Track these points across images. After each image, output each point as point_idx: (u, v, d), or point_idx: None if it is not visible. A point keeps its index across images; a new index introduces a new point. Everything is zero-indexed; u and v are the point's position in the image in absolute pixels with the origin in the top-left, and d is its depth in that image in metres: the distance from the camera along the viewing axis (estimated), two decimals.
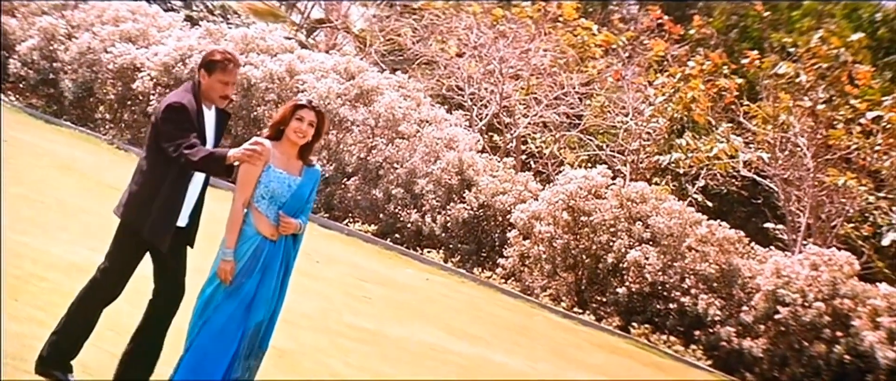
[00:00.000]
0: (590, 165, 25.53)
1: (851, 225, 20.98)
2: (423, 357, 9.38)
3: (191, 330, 4.85)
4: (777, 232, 22.00)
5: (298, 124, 4.85)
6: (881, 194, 19.06)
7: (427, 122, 19.60)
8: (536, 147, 26.82)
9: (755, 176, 21.42)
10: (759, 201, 22.17)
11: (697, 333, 16.50)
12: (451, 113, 20.66)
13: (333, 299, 10.47)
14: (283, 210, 4.79)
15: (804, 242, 19.19)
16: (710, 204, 22.60)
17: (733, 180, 22.71)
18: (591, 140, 25.11)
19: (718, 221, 17.51)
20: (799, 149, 20.17)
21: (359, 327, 9.49)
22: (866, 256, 20.36)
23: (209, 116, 5.04)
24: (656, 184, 21.13)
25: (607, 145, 24.68)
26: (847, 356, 15.17)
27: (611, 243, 17.54)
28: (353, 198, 18.95)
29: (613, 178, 18.73)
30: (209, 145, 4.98)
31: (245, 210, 4.82)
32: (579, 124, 25.04)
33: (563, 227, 17.88)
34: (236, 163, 4.85)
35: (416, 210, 18.60)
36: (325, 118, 4.97)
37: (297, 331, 8.11)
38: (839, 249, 17.49)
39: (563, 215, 17.81)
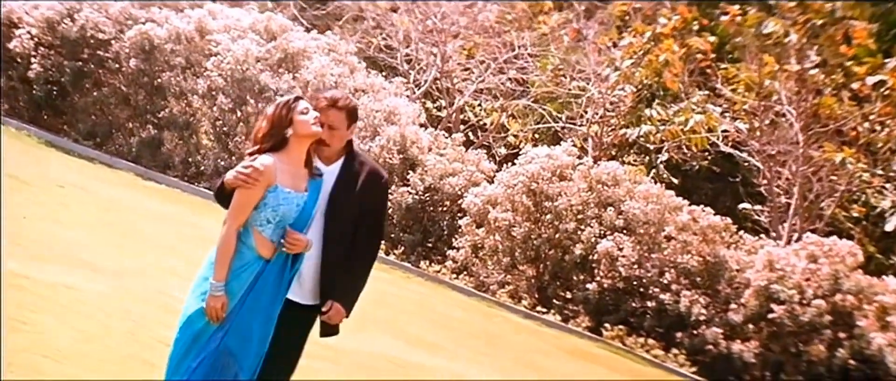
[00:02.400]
0: (540, 139, 25.41)
1: (839, 206, 21.04)
2: (381, 373, 9.18)
3: (175, 369, 4.72)
4: (753, 214, 22.01)
5: (307, 117, 4.72)
6: (878, 171, 19.04)
7: (363, 91, 19.11)
8: (476, 117, 26.50)
9: (732, 150, 21.33)
10: (737, 179, 22.07)
11: (679, 335, 16.48)
12: (389, 80, 20.06)
13: None
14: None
15: (792, 225, 19.16)
16: (675, 180, 22.64)
17: (703, 154, 22.66)
18: (543, 110, 24.82)
19: (700, 206, 17.51)
20: (784, 119, 20.10)
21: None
22: (857, 240, 20.43)
23: None
24: (623, 162, 20.85)
25: (561, 116, 24.42)
26: (852, 361, 15.24)
27: (578, 232, 17.43)
28: None
29: (579, 157, 18.57)
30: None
31: (242, 230, 4.74)
32: (531, 92, 24.71)
33: (522, 213, 17.71)
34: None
35: None
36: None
37: None
38: (827, 233, 17.47)
39: (523, 199, 17.64)
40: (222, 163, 18.16)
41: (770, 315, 15.82)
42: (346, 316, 4.81)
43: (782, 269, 16.02)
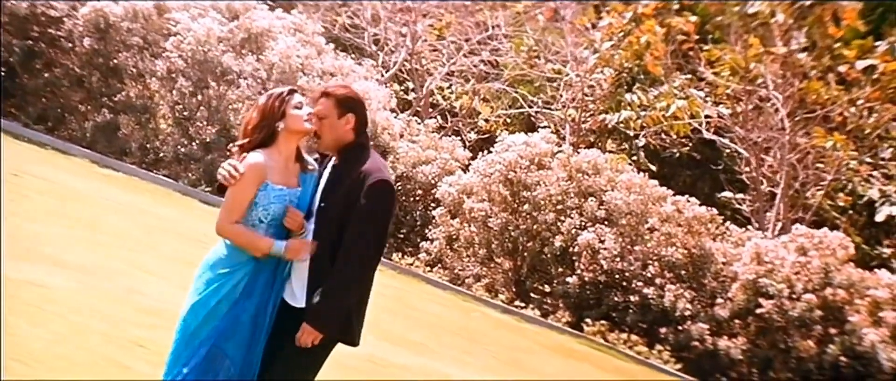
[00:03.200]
0: (512, 124, 25.36)
1: (825, 195, 21.18)
2: (364, 373, 9.14)
3: (170, 369, 4.78)
4: (735, 202, 22.14)
5: (300, 113, 4.76)
6: (867, 159, 19.17)
7: (331, 74, 18.93)
8: (446, 100, 26.45)
9: (714, 136, 21.43)
10: (720, 167, 22.16)
11: (664, 330, 16.52)
12: (359, 62, 19.92)
13: None
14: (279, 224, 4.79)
15: (776, 215, 19.27)
16: (652, 167, 22.76)
17: (683, 141, 22.75)
18: (517, 94, 24.80)
19: (685, 197, 17.52)
20: (770, 104, 20.18)
21: None
22: (843, 230, 20.58)
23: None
24: (601, 149, 20.85)
25: (536, 100, 24.39)
26: (843, 358, 15.30)
27: (558, 224, 17.43)
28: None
29: (558, 144, 18.59)
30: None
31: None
32: (504, 74, 24.67)
33: (499, 203, 17.71)
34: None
35: None
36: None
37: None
38: (812, 222, 17.54)
39: (500, 189, 17.64)
40: (182, 149, 18.03)
41: (758, 310, 15.87)
42: (326, 335, 4.66)
43: (771, 262, 16.05)
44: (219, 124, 18.53)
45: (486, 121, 25.94)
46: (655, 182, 17.72)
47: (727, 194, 22.48)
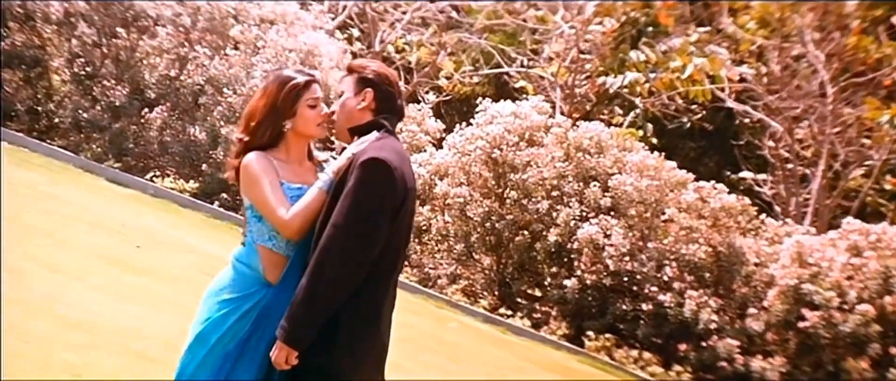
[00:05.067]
0: (483, 86, 24.98)
1: (866, 176, 21.08)
2: None
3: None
4: (755, 184, 22.04)
5: (312, 115, 4.82)
6: None
7: (270, 22, 18.71)
8: (399, 53, 26.05)
9: (735, 103, 21.22)
10: (741, 143, 22.01)
11: (683, 347, 16.46)
12: (306, 8, 19.45)
13: (190, 312, 9.98)
14: None
15: (803, 201, 19.11)
16: (654, 140, 22.75)
17: (693, 108, 22.59)
18: (492, 48, 24.45)
19: (711, 182, 17.41)
20: (805, 64, 19.97)
21: None
22: (890, 220, 20.51)
23: None
24: (603, 120, 20.49)
25: (515, 56, 24.05)
26: None
27: (553, 214, 17.32)
28: (158, 139, 18.27)
29: (551, 115, 18.49)
30: None
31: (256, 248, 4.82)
32: (475, 23, 24.33)
33: (480, 188, 17.67)
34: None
35: None
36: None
37: (151, 369, 7.89)
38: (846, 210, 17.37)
39: (482, 170, 17.56)
40: (83, 114, 17.74)
41: (801, 324, 15.86)
42: (294, 348, 4.54)
43: (816, 264, 15.96)
44: (129, 84, 18.21)
45: (447, 79, 25.52)
46: (673, 164, 17.61)
47: (745, 173, 22.34)
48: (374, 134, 4.68)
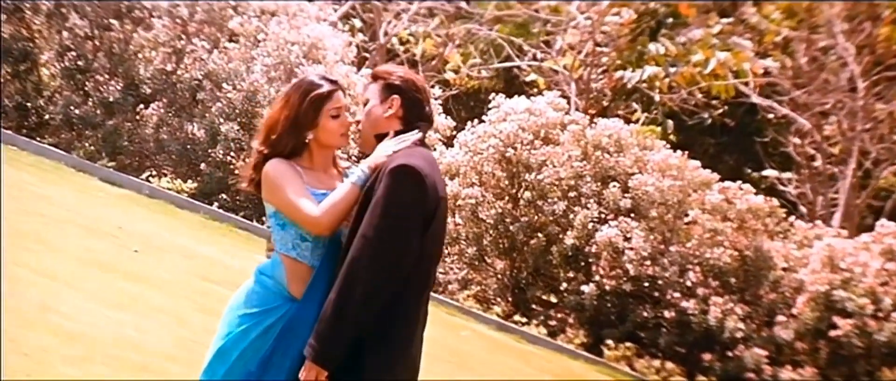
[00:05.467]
0: (493, 82, 24.92)
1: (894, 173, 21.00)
2: None
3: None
4: (777, 183, 21.96)
5: (336, 125, 4.85)
6: None
7: (271, 14, 18.74)
8: (404, 44, 25.95)
9: (760, 98, 21.11)
10: (766, 139, 21.90)
11: (708, 357, 16.38)
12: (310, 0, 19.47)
13: (189, 322, 10.21)
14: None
15: (831, 200, 19.01)
16: (671, 137, 22.74)
17: (714, 103, 22.51)
18: (502, 40, 24.43)
19: (737, 183, 17.36)
20: (834, 57, 19.85)
21: None
22: None
23: None
24: (620, 116, 20.40)
25: (527, 48, 23.99)
26: None
27: (570, 216, 17.27)
28: (154, 137, 18.31)
29: (566, 111, 18.42)
30: None
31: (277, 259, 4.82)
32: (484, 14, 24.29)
33: (494, 189, 17.62)
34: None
35: None
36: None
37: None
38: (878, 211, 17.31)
39: (495, 170, 17.50)
40: (76, 110, 17.78)
41: (832, 332, 15.82)
42: (325, 368, 4.55)
43: (849, 269, 15.91)
44: (124, 78, 18.23)
45: (455, 73, 25.45)
46: (696, 163, 17.54)
47: (769, 171, 22.24)
48: (415, 133, 4.69)
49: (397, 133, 4.70)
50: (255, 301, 4.77)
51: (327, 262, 4.72)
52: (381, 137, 4.71)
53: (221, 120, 17.99)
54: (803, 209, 19.87)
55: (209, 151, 17.96)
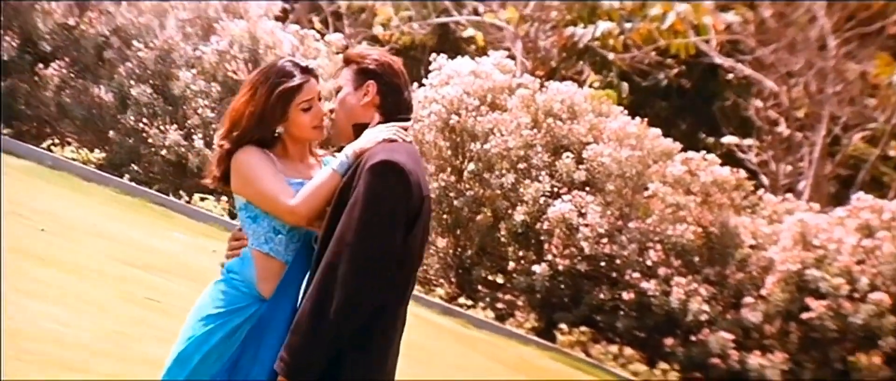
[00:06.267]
0: (430, 37, 24.86)
1: (869, 142, 21.25)
2: None
3: None
4: (736, 150, 22.24)
5: (307, 118, 4.85)
6: None
7: None
8: None
9: (721, 58, 21.28)
10: (726, 102, 22.07)
11: (670, 341, 16.54)
12: None
13: (112, 311, 10.22)
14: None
15: (812, 170, 19.23)
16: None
17: (668, 61, 22.60)
18: None
19: (701, 153, 17.44)
20: (805, 12, 20.01)
21: None
22: (894, 192, 20.75)
23: None
24: (572, 79, 20.40)
25: (467, 2, 24.04)
26: None
27: (519, 189, 17.27)
28: (55, 100, 18.17)
29: (514, 74, 18.54)
30: None
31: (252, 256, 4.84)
32: None
33: (436, 160, 17.62)
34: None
35: (174, 124, 17.92)
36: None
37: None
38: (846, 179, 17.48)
39: (437, 139, 17.48)
40: None
41: (804, 314, 15.88)
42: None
43: (822, 246, 16.02)
44: (19, 34, 18.11)
45: (383, 27, 25.43)
46: (657, 131, 17.59)
47: (730, 137, 22.40)
48: (408, 123, 4.72)
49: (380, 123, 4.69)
50: (222, 301, 4.76)
51: (301, 258, 4.73)
52: (359, 129, 4.69)
53: (131, 82, 17.80)
54: (765, 180, 19.98)
55: (118, 116, 17.76)
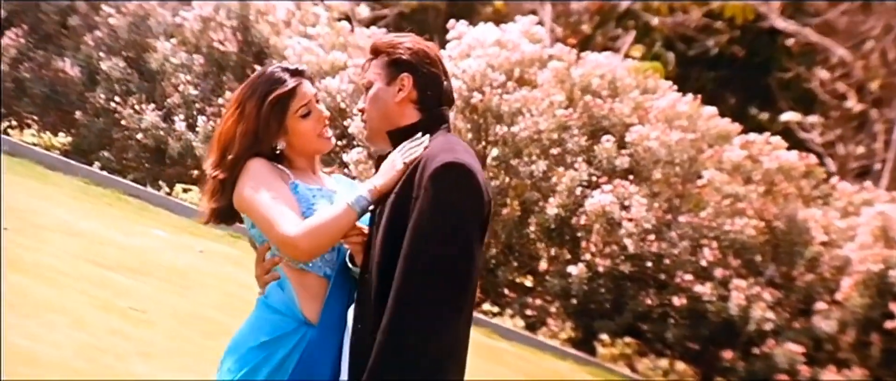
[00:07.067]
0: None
1: None
2: None
3: None
4: (798, 129, 22.26)
5: (310, 125, 4.95)
6: None
7: None
8: None
9: (779, 20, 21.10)
10: (786, 72, 21.75)
11: (728, 354, 16.44)
12: None
13: (87, 322, 10.39)
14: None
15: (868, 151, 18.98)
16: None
17: (719, 26, 22.65)
18: None
19: (764, 135, 17.41)
20: None
21: None
22: None
23: None
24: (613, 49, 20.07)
25: None
26: None
27: (552, 179, 17.15)
28: (11, 75, 18.48)
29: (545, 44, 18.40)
30: None
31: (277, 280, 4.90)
32: None
33: None
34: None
35: (152, 104, 18.15)
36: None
37: None
38: None
39: (457, 121, 17.43)
40: None
41: (888, 323, 15.78)
42: None
43: None
44: None
45: None
46: (712, 109, 17.56)
47: (791, 114, 22.10)
48: (425, 137, 4.67)
49: (406, 132, 4.67)
50: (264, 330, 4.78)
51: (343, 273, 4.80)
52: (395, 135, 4.69)
53: (101, 54, 18.00)
54: (831, 164, 19.60)
55: (86, 94, 17.91)
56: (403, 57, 4.79)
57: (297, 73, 4.94)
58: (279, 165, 4.90)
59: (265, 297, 4.90)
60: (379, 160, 4.86)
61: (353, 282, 4.78)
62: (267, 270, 4.89)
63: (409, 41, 4.89)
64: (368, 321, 4.58)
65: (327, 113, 4.97)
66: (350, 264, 4.81)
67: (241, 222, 4.99)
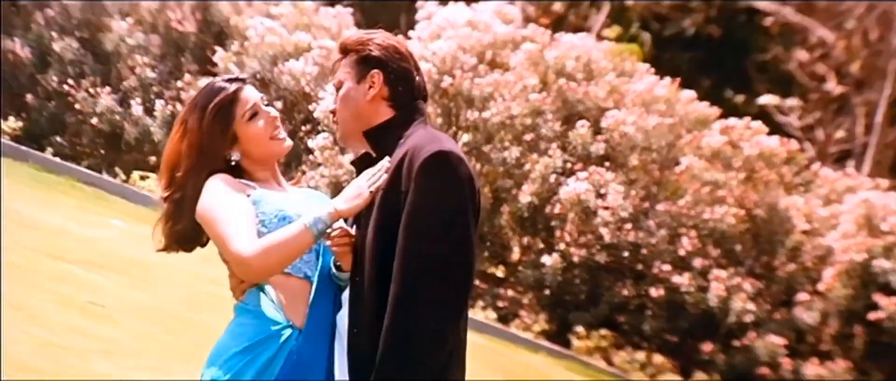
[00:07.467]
0: None
1: None
2: None
3: None
4: (777, 111, 22.48)
5: (260, 128, 4.97)
6: None
7: None
8: None
9: (754, 1, 21.26)
10: (764, 54, 21.92)
11: (708, 347, 16.56)
12: None
13: (46, 319, 10.42)
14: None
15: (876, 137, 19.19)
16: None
17: (694, 5, 22.86)
18: None
19: (744, 119, 17.48)
20: None
21: None
22: None
23: None
24: (587, 30, 20.11)
25: None
26: None
27: (525, 166, 17.24)
28: None
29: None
30: None
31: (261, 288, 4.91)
32: None
33: None
34: None
35: (107, 87, 18.08)
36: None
37: None
38: None
39: (428, 106, 17.01)
40: None
41: (871, 314, 15.88)
42: None
43: (892, 231, 16.06)
44: None
45: None
46: (691, 93, 17.61)
47: (768, 97, 22.32)
48: (385, 161, 4.72)
49: (382, 130, 4.74)
50: (245, 335, 4.79)
51: (325, 275, 4.82)
52: (372, 134, 4.74)
53: (53, 34, 18.03)
54: (809, 148, 19.82)
55: (37, 77, 17.93)
56: (373, 53, 4.88)
57: (237, 80, 5.02)
58: (242, 180, 4.96)
59: (244, 302, 4.92)
60: (357, 162, 4.94)
61: (332, 286, 4.83)
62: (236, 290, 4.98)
63: (378, 37, 4.97)
64: (365, 325, 4.62)
65: (276, 114, 5.04)
66: (335, 270, 4.85)
67: (203, 246, 5.06)
